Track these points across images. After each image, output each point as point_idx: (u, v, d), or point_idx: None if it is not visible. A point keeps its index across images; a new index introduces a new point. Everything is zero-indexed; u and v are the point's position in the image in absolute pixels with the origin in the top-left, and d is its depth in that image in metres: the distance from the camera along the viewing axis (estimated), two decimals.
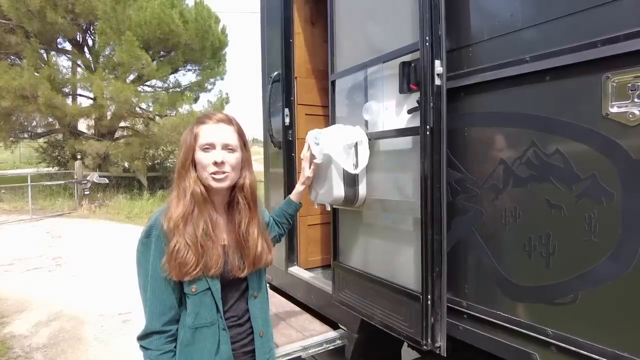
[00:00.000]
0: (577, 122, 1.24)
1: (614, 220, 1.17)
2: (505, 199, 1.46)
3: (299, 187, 1.92)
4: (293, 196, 1.91)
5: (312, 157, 1.89)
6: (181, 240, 1.27)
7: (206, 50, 14.75)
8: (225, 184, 1.35)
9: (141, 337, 1.33)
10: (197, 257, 1.27)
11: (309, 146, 1.92)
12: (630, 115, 1.12)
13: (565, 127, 1.27)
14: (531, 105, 1.36)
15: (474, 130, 1.57)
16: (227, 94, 15.41)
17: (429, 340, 1.61)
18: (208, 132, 1.33)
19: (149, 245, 1.31)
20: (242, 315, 1.42)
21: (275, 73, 2.84)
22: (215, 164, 1.31)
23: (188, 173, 1.33)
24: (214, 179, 1.32)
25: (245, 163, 1.41)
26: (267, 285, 1.65)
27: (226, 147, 1.34)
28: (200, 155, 1.32)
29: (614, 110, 1.16)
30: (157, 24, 12.67)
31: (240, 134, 1.40)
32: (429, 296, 1.60)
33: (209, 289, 1.32)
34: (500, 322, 1.48)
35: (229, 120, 1.38)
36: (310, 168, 1.91)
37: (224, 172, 1.33)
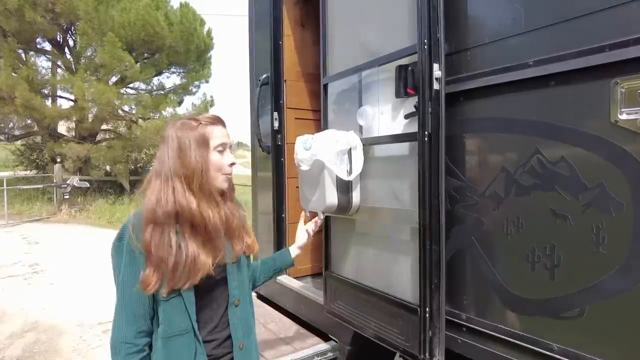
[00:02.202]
0: (584, 129, 1.20)
1: (624, 231, 1.13)
2: (508, 208, 1.41)
3: (296, 251, 1.74)
4: (292, 250, 1.74)
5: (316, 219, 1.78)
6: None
7: (191, 53, 14.63)
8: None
9: (111, 345, 1.28)
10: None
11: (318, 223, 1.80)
12: None
13: (571, 134, 1.23)
14: (535, 112, 1.32)
15: (474, 136, 1.52)
16: (211, 96, 15.37)
17: (427, 354, 1.56)
18: (218, 134, 1.32)
19: (121, 251, 1.27)
20: (220, 324, 1.35)
21: (264, 76, 2.77)
22: (232, 165, 1.32)
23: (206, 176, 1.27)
24: (227, 179, 1.33)
25: None
26: (253, 294, 1.57)
27: (230, 147, 1.35)
28: (215, 157, 1.29)
29: (624, 117, 1.12)
30: (142, 26, 12.51)
31: None
32: (427, 308, 1.55)
33: (180, 295, 1.25)
34: (502, 336, 1.43)
35: (223, 121, 1.38)
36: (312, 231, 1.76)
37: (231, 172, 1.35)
